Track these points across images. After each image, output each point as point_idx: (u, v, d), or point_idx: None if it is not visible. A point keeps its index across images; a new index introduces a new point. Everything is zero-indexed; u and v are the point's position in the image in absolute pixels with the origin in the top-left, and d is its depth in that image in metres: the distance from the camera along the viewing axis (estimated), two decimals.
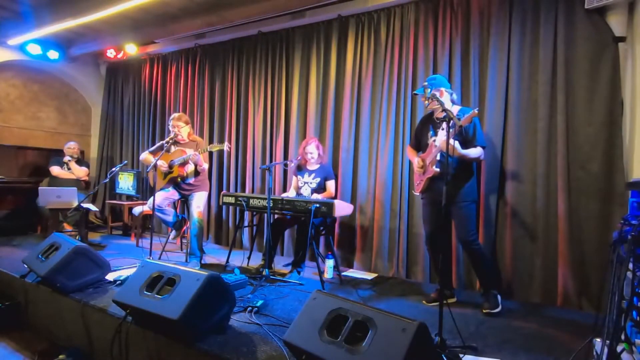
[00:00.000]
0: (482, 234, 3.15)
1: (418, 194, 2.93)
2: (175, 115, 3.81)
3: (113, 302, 2.20)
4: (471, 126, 2.67)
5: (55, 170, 5.05)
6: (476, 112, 2.38)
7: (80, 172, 5.12)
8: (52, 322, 2.72)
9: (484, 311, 2.64)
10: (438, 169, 2.65)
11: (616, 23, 2.79)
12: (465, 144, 2.63)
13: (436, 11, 3.50)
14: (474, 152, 2.64)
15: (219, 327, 2.09)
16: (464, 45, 3.37)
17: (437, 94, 2.71)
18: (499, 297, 2.72)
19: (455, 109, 2.75)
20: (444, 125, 2.60)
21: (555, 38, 2.97)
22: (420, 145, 2.97)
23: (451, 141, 2.47)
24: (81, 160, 5.30)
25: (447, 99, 2.79)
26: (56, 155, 5.22)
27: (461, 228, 2.73)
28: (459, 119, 2.46)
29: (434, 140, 2.73)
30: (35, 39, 5.08)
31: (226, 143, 3.52)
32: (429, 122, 2.88)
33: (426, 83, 2.78)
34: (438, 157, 2.66)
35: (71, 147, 5.16)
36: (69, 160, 5.08)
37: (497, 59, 3.19)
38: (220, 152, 4.83)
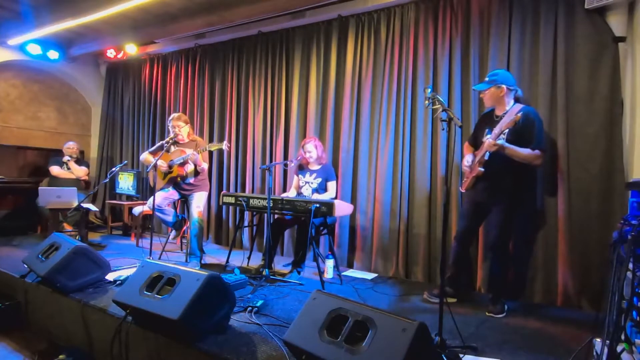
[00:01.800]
0: (482, 233, 3.14)
1: (464, 191, 2.85)
2: (175, 115, 3.81)
3: (113, 302, 2.20)
4: (529, 126, 2.52)
5: (54, 170, 5.04)
6: (519, 116, 2.35)
7: (79, 171, 5.12)
8: (52, 322, 2.72)
9: (488, 314, 2.64)
10: (482, 169, 2.58)
11: (616, 23, 2.79)
12: (520, 145, 2.50)
13: (436, 11, 3.50)
14: (525, 151, 2.49)
15: (219, 327, 2.09)
16: (464, 45, 3.37)
17: (498, 91, 2.66)
18: (506, 306, 2.71)
19: (516, 108, 2.62)
20: (501, 122, 2.56)
21: (555, 38, 2.97)
22: (477, 142, 2.83)
23: (496, 140, 2.46)
24: (81, 160, 5.31)
25: (510, 97, 2.68)
26: (56, 156, 5.21)
27: (495, 230, 2.70)
28: (514, 120, 2.42)
29: (488, 139, 2.61)
30: (35, 39, 5.07)
31: (225, 142, 3.51)
32: (487, 120, 2.78)
33: (487, 79, 2.71)
34: (486, 157, 2.58)
35: (70, 147, 5.15)
36: (69, 160, 5.08)
37: (497, 59, 3.19)
38: (221, 152, 4.83)
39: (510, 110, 2.62)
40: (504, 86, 2.65)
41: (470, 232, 2.88)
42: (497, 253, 2.73)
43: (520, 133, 2.52)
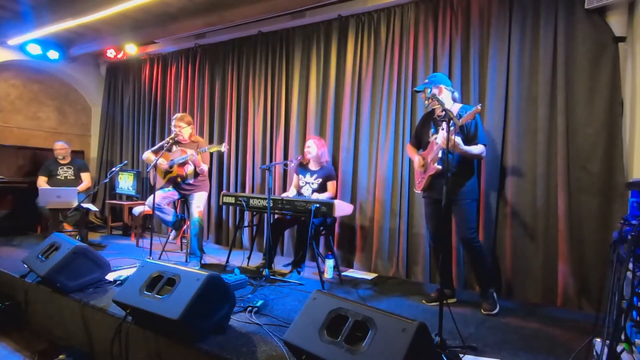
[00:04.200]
0: (482, 233, 3.15)
1: (419, 192, 2.92)
2: (178, 115, 3.82)
3: (113, 302, 2.20)
4: (473, 124, 2.67)
5: (41, 182, 4.87)
6: (479, 108, 2.39)
7: (86, 178, 5.09)
8: (52, 322, 2.72)
9: (484, 312, 2.65)
10: (440, 167, 2.63)
11: (616, 23, 2.79)
12: (466, 142, 2.62)
13: (436, 11, 3.50)
14: (476, 149, 2.64)
15: (219, 327, 2.09)
16: (464, 45, 3.37)
17: (437, 91, 2.72)
18: (495, 295, 2.73)
19: (456, 107, 2.75)
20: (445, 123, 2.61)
21: (555, 38, 2.97)
22: (420, 143, 2.95)
23: (454, 137, 2.47)
24: (80, 164, 5.24)
25: (448, 97, 2.78)
26: (48, 159, 5.11)
27: (461, 226, 2.73)
28: (458, 118, 2.48)
29: (435, 138, 2.72)
30: (35, 39, 5.07)
31: (224, 144, 3.51)
32: (430, 120, 2.88)
33: (427, 80, 2.78)
34: (440, 155, 2.64)
35: (59, 147, 5.01)
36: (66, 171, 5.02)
37: (497, 59, 3.19)
38: (220, 152, 4.81)
39: (451, 110, 2.70)
40: (442, 86, 2.77)
41: (441, 231, 2.89)
42: (469, 246, 2.74)
43: (466, 131, 2.66)
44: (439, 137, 2.66)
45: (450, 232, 3.12)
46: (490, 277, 2.84)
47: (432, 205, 2.87)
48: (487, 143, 2.74)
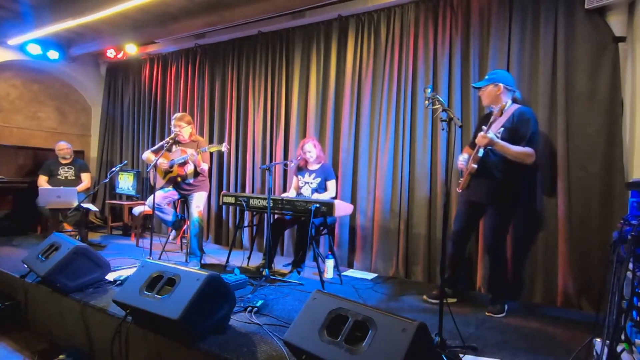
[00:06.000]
0: (481, 232, 3.14)
1: (460, 191, 2.79)
2: (178, 115, 3.81)
3: (113, 302, 2.20)
4: (523, 124, 2.54)
5: (42, 181, 4.90)
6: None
7: (86, 179, 5.09)
8: (52, 322, 2.72)
9: (487, 314, 2.64)
10: (476, 166, 2.56)
11: (616, 23, 2.79)
12: (513, 142, 2.51)
13: (436, 11, 3.50)
14: (516, 147, 2.48)
15: (219, 327, 2.09)
16: (464, 45, 3.37)
17: (496, 89, 2.68)
18: (506, 306, 2.70)
19: (512, 108, 2.62)
20: (497, 121, 2.56)
21: (555, 38, 2.97)
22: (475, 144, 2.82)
23: (489, 132, 2.45)
24: (81, 164, 5.25)
25: (507, 96, 2.68)
26: (48, 159, 5.13)
27: (490, 231, 2.69)
28: (511, 119, 2.46)
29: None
30: (35, 39, 5.08)
31: (224, 144, 3.51)
32: (486, 120, 2.76)
33: (487, 77, 2.73)
34: (480, 154, 2.55)
35: (62, 148, 5.03)
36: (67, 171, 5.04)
37: (497, 59, 3.19)
38: (221, 152, 4.82)
39: (507, 110, 2.61)
40: (501, 85, 2.68)
41: (465, 233, 2.86)
42: (494, 255, 2.72)
43: (514, 131, 2.55)
44: (479, 135, 2.55)
45: (471, 235, 3.03)
46: (504, 289, 2.78)
47: (464, 205, 2.83)
48: (533, 149, 2.53)
